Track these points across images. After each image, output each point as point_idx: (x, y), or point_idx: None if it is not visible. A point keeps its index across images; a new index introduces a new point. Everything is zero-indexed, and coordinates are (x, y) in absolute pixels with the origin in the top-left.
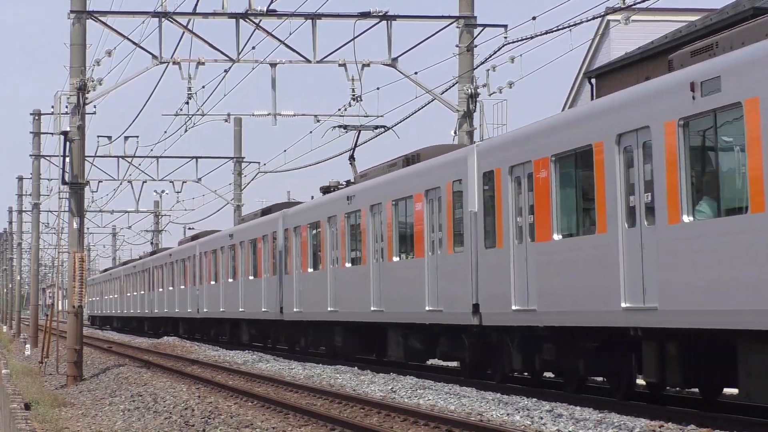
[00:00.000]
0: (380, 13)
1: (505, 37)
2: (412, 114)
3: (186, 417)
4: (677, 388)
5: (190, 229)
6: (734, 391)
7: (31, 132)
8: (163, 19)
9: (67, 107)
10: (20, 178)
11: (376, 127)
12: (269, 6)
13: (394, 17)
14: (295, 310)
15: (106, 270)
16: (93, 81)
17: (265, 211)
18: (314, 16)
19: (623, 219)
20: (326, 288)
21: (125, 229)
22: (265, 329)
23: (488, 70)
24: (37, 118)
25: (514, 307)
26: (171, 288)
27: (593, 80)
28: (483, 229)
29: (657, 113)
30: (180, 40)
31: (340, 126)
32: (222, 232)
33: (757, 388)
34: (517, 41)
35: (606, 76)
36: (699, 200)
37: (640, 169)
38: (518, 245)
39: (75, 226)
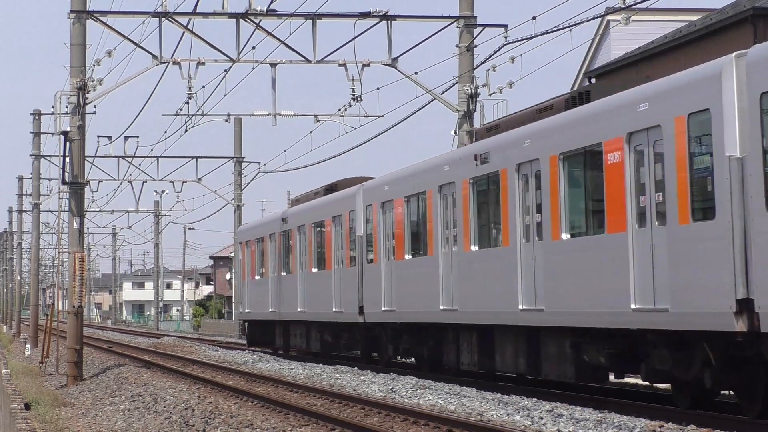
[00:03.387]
0: (380, 13)
1: (505, 37)
2: (412, 114)
3: (186, 417)
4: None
5: (190, 228)
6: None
7: (31, 132)
8: (163, 19)
9: (67, 107)
10: (20, 178)
11: None
12: (269, 6)
13: (394, 17)
14: None
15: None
16: (93, 81)
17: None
18: (314, 16)
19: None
20: None
21: (125, 229)
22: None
23: (488, 70)
24: (37, 118)
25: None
26: (313, 270)
27: (593, 80)
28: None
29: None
30: (180, 40)
31: None
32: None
33: None
34: (517, 41)
35: (606, 76)
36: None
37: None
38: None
39: (75, 226)
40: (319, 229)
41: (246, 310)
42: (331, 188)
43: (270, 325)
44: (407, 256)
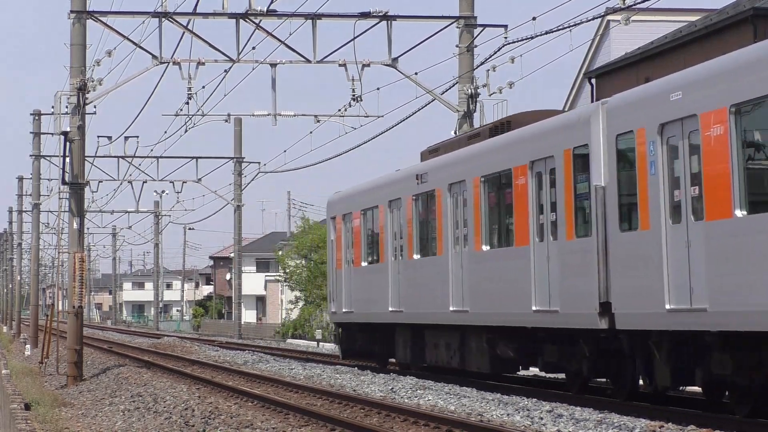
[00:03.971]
0: (380, 13)
1: (505, 38)
2: (413, 114)
3: (186, 417)
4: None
5: (190, 229)
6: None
7: (31, 132)
8: (163, 19)
9: (67, 107)
10: (20, 178)
11: None
12: (269, 6)
13: (394, 17)
14: None
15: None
16: (93, 81)
17: None
18: (314, 16)
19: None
20: None
21: (125, 229)
22: None
23: (488, 70)
24: (37, 118)
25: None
26: (484, 248)
27: (593, 80)
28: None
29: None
30: (180, 40)
31: None
32: None
33: None
34: (517, 41)
35: (606, 76)
36: None
37: None
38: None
39: (75, 226)
40: (495, 185)
41: (343, 310)
42: (501, 127)
43: (385, 331)
44: (739, 213)
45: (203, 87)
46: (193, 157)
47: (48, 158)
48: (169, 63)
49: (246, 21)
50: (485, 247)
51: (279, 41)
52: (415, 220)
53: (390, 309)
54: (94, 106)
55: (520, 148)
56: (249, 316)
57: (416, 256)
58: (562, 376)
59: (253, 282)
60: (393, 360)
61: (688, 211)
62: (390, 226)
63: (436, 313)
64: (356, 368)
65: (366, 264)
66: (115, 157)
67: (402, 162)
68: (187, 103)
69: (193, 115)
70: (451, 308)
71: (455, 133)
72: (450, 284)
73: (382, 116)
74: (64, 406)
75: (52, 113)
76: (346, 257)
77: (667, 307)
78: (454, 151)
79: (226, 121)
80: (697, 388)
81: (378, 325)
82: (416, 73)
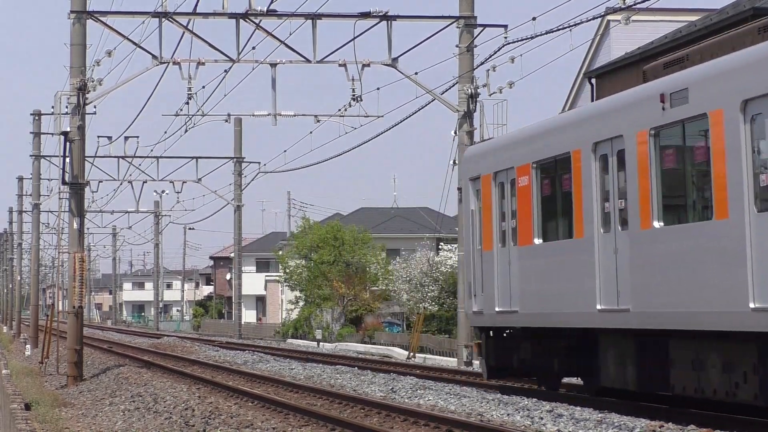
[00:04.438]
0: (380, 13)
1: (505, 38)
2: (413, 114)
3: (186, 417)
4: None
5: (190, 229)
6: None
7: (31, 132)
8: (163, 19)
9: (67, 107)
10: (20, 179)
11: None
12: (269, 6)
13: (394, 17)
14: None
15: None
16: (93, 81)
17: None
18: (314, 16)
19: None
20: None
21: (125, 229)
22: None
23: (488, 70)
24: (37, 118)
25: None
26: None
27: (593, 80)
28: None
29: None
30: (180, 41)
31: None
32: None
33: None
34: (517, 41)
35: (606, 76)
36: None
37: None
38: None
39: (75, 226)
40: None
41: (496, 309)
42: None
43: (575, 339)
44: None
45: (203, 87)
46: (193, 157)
47: (48, 158)
48: (169, 63)
49: (246, 21)
50: None
51: (279, 41)
52: (654, 167)
53: (598, 307)
54: (94, 106)
55: None
56: (249, 316)
57: (657, 224)
58: None
59: (253, 282)
60: (565, 379)
61: None
62: (596, 182)
63: (711, 314)
64: (356, 368)
65: (542, 241)
66: (115, 157)
67: (402, 161)
68: (187, 103)
69: (193, 115)
70: (752, 305)
71: (455, 133)
72: (749, 266)
73: (382, 116)
74: (64, 406)
75: (52, 113)
76: (502, 233)
77: None
78: (727, 54)
79: (226, 121)
80: None
81: (563, 332)
82: (416, 73)
